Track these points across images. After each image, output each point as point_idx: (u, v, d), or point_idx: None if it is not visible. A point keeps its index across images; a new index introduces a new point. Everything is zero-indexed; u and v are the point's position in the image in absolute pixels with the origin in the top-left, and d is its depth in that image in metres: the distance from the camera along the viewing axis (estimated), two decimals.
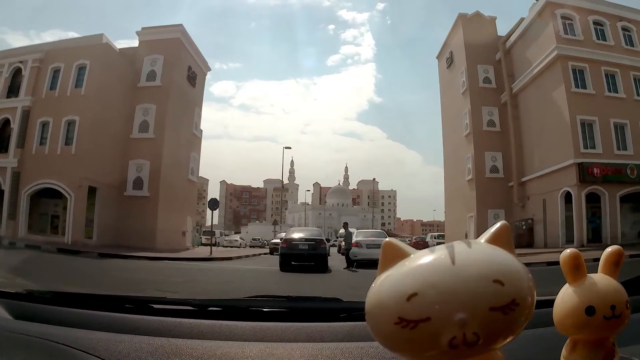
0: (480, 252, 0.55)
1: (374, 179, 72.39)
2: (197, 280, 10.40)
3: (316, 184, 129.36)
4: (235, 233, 59.88)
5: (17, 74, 26.19)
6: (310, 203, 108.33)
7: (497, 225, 0.59)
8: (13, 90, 25.95)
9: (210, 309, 1.48)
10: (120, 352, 1.10)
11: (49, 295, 1.62)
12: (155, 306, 1.49)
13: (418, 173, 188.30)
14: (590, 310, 0.67)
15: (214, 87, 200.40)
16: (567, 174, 23.69)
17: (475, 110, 31.24)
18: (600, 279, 0.69)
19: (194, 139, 31.43)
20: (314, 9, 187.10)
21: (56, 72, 25.35)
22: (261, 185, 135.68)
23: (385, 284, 0.55)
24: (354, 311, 1.39)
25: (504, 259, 0.55)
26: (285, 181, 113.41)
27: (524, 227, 27.55)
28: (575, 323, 0.68)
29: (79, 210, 22.66)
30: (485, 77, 31.99)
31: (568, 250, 0.69)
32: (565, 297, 0.70)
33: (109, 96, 24.81)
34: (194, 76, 30.84)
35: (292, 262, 13.84)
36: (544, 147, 25.88)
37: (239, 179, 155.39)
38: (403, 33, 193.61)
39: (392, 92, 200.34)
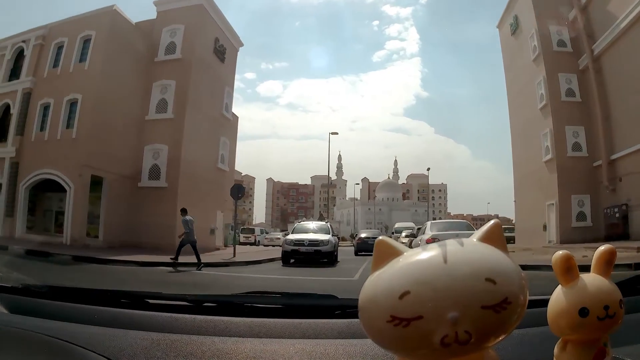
0: (472, 250, 0.55)
1: (428, 169, 66.92)
2: None
3: (365, 179, 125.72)
4: (281, 231, 55.80)
5: (20, 55, 23.01)
6: (359, 198, 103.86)
7: (490, 223, 0.59)
8: (16, 73, 22.75)
9: (206, 304, 1.44)
10: (116, 347, 1.08)
11: (45, 290, 1.57)
12: (151, 301, 1.45)
13: (467, 167, 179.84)
14: (583, 312, 0.66)
15: (260, 87, 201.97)
16: None
17: (552, 77, 25.96)
18: (593, 279, 0.68)
19: (225, 122, 27.11)
20: (358, 6, 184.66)
21: (60, 48, 21.82)
22: (309, 182, 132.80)
23: (378, 282, 0.55)
24: (349, 308, 1.34)
25: (496, 257, 0.55)
26: (333, 176, 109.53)
27: (616, 215, 22.13)
28: (569, 324, 0.68)
29: (80, 204, 18.74)
30: (559, 39, 26.63)
31: (560, 252, 0.68)
32: (559, 299, 0.69)
33: (119, 72, 20.92)
34: (222, 50, 26.66)
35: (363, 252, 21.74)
36: None
37: (288, 178, 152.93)
38: (448, 26, 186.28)
39: (438, 86, 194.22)
